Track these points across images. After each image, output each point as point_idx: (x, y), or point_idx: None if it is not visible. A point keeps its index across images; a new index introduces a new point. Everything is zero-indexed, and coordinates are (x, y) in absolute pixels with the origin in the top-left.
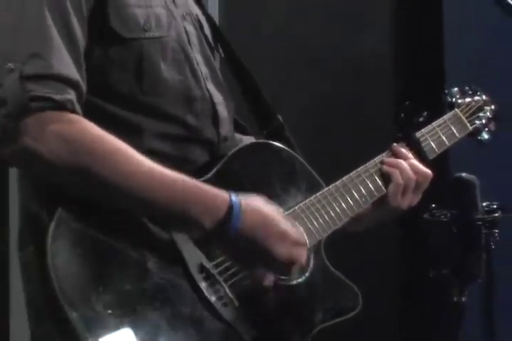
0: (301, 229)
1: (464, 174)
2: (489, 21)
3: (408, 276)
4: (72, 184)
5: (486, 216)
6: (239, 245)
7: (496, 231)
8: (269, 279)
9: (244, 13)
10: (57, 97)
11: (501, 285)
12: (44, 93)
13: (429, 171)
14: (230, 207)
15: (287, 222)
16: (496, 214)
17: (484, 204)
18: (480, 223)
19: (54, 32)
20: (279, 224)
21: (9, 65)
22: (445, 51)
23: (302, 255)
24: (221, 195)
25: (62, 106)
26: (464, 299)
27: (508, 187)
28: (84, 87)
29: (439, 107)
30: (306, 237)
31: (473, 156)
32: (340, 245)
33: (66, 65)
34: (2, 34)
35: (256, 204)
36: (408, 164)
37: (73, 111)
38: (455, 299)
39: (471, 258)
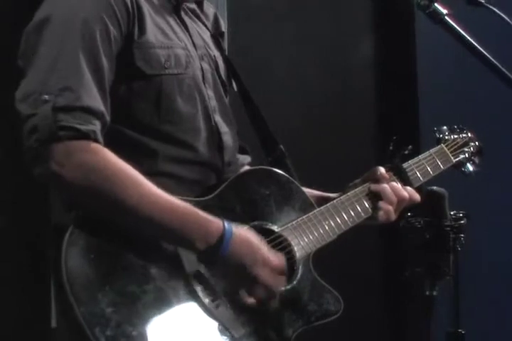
0: (282, 258)
1: (434, 187)
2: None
3: (387, 274)
4: (89, 205)
5: (453, 223)
6: (226, 266)
7: (462, 235)
8: (251, 300)
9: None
10: (83, 128)
11: (466, 280)
12: (72, 123)
13: (407, 195)
14: (223, 234)
15: (271, 250)
16: (462, 222)
17: (452, 212)
18: (448, 229)
19: (85, 69)
20: (263, 252)
21: (44, 96)
22: (418, 80)
23: (280, 282)
24: (216, 222)
25: (86, 136)
26: (434, 293)
27: (471, 198)
28: (108, 117)
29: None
30: (297, 253)
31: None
32: (328, 248)
33: (93, 98)
34: (41, 70)
35: (245, 234)
36: (391, 188)
37: (96, 141)
38: (427, 293)
39: (441, 259)
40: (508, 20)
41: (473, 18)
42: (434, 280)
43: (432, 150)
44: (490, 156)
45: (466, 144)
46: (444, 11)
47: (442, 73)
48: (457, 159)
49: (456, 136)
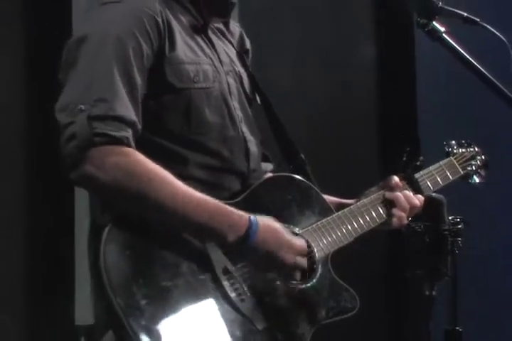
0: (303, 241)
1: (434, 194)
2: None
3: (390, 275)
4: (124, 204)
5: (451, 227)
6: (255, 254)
7: (459, 239)
8: (279, 281)
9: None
10: (116, 134)
11: (463, 281)
12: (106, 130)
13: (418, 203)
14: (249, 225)
15: (293, 236)
16: (459, 226)
17: (450, 217)
18: (447, 233)
19: (119, 82)
20: (286, 237)
21: (81, 106)
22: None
23: (303, 262)
24: (243, 216)
25: (119, 142)
26: (433, 293)
27: (468, 204)
28: (139, 126)
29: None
30: (317, 254)
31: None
32: (338, 252)
33: (125, 108)
34: (79, 83)
35: (269, 223)
36: (404, 196)
37: (128, 146)
38: (427, 293)
39: (439, 261)
40: (501, 36)
41: (470, 36)
42: (433, 281)
43: (442, 162)
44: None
45: (473, 158)
46: (442, 29)
47: (441, 76)
48: (465, 171)
49: (464, 150)
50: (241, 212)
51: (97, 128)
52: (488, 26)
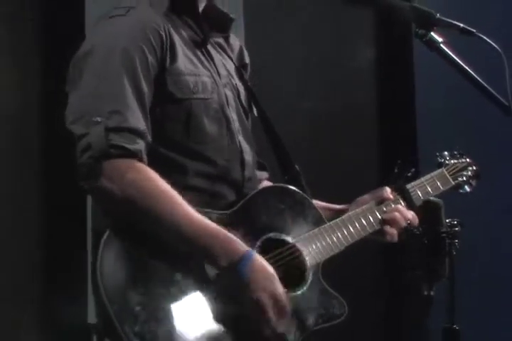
0: (288, 298)
1: (432, 198)
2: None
3: (390, 275)
4: (127, 216)
5: (449, 230)
6: (239, 284)
7: (456, 241)
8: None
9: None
10: (131, 147)
11: (460, 281)
12: (121, 142)
13: (410, 216)
14: (244, 255)
15: (282, 288)
16: (456, 229)
17: (447, 220)
18: (444, 235)
19: (129, 93)
20: (275, 284)
21: (96, 118)
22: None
23: (277, 322)
24: (241, 245)
25: (133, 155)
26: (432, 293)
27: (465, 208)
28: (149, 136)
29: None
30: (308, 262)
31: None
32: (337, 255)
33: (137, 119)
34: (89, 95)
35: (265, 264)
36: (399, 214)
37: (141, 159)
38: (425, 293)
39: (437, 262)
40: (496, 46)
41: (466, 46)
42: (431, 282)
43: (433, 174)
44: (482, 166)
45: (464, 168)
46: (440, 39)
47: (440, 84)
48: (456, 181)
49: (455, 161)
50: (241, 242)
51: (113, 140)
52: (484, 37)
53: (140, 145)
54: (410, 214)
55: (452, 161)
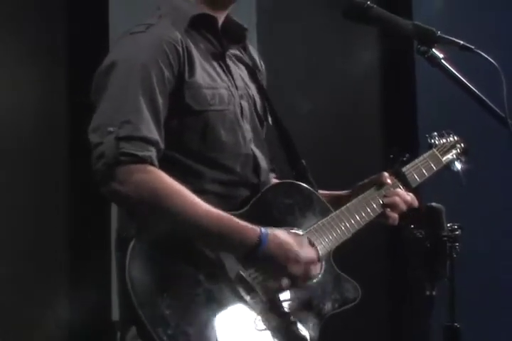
0: (313, 251)
1: (433, 203)
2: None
3: (393, 277)
4: (146, 216)
5: (449, 233)
6: (265, 264)
7: (457, 244)
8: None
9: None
10: (140, 154)
11: (461, 282)
12: (131, 150)
13: (410, 199)
14: (259, 239)
15: (302, 247)
16: (457, 232)
17: (448, 225)
18: (445, 238)
19: (143, 106)
20: (294, 250)
21: (110, 128)
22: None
23: (312, 271)
24: (254, 229)
25: (143, 161)
26: (434, 293)
27: (465, 212)
28: (162, 145)
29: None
30: (320, 252)
31: (441, 190)
32: (342, 255)
33: (149, 129)
34: (108, 107)
35: (279, 236)
36: (400, 198)
37: (151, 164)
38: (427, 293)
39: (439, 264)
40: (494, 63)
41: (466, 62)
42: (433, 282)
43: (425, 155)
44: (481, 171)
45: (453, 146)
46: (441, 55)
47: (441, 87)
48: (447, 160)
49: (444, 141)
50: (254, 227)
51: (123, 148)
52: (482, 53)
53: (151, 152)
54: (409, 197)
55: (442, 141)
